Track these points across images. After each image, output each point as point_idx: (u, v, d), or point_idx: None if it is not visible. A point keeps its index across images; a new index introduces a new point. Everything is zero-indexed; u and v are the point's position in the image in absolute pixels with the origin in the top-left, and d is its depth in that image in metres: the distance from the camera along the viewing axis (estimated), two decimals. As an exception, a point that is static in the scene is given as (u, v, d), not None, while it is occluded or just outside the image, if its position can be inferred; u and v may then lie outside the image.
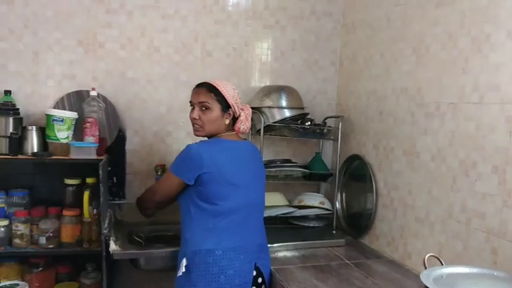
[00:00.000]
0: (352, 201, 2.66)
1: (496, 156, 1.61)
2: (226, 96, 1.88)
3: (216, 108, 1.88)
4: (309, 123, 2.58)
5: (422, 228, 2.01)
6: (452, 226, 1.82)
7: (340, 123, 2.58)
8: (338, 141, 2.58)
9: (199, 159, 1.78)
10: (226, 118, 1.92)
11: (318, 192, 2.79)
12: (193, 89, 1.92)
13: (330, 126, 2.68)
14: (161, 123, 2.56)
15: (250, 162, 1.95)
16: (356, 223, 2.57)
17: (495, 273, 1.38)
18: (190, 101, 1.92)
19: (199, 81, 1.94)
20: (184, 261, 1.80)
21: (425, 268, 1.41)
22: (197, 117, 1.88)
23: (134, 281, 2.46)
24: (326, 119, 2.73)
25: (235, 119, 1.95)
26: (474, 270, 1.41)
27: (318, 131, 2.65)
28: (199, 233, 1.81)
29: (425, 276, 1.32)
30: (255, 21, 2.67)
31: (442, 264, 1.46)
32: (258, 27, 2.68)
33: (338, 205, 2.67)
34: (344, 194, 2.70)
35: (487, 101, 1.66)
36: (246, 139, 2.06)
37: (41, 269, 2.29)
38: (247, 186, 1.88)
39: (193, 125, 1.92)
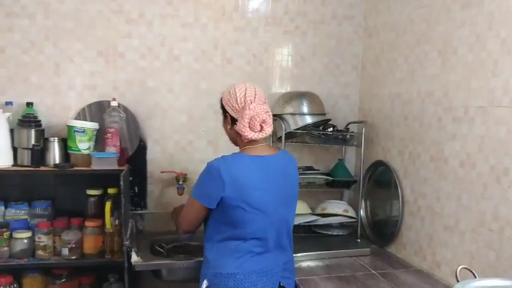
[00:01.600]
0: (377, 209, 2.59)
1: (530, 162, 1.54)
2: (221, 99, 1.78)
3: (223, 116, 1.80)
4: (331, 129, 2.53)
5: (451, 237, 1.93)
6: (483, 235, 1.75)
7: (363, 129, 2.52)
8: (361, 147, 2.52)
9: (220, 181, 1.63)
10: (227, 124, 1.78)
11: (342, 200, 2.74)
12: None
13: (352, 132, 2.62)
14: (182, 132, 2.54)
15: (279, 179, 1.73)
16: (381, 231, 2.51)
17: (533, 287, 1.31)
18: None
19: (219, 89, 1.92)
20: (205, 283, 1.72)
21: (457, 281, 1.35)
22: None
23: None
24: (348, 124, 2.67)
25: None
26: (509, 282, 1.34)
27: (340, 137, 2.60)
28: (220, 255, 1.70)
29: (459, 291, 1.26)
30: (275, 27, 2.63)
31: (475, 277, 1.40)
32: (278, 33, 2.64)
33: (362, 213, 2.61)
34: (368, 202, 2.63)
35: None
36: (279, 148, 1.84)
37: (64, 280, 2.29)
38: (275, 209, 1.71)
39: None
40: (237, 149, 1.80)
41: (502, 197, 1.66)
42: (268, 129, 1.70)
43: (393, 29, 2.42)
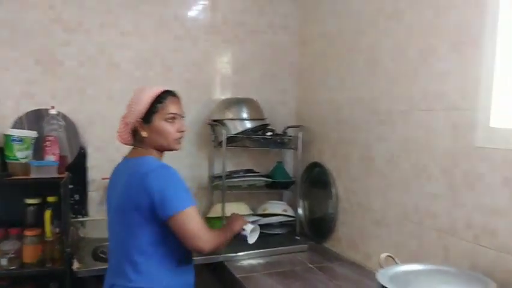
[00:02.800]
0: (314, 208, 2.73)
1: (444, 159, 1.72)
2: None
3: None
4: (270, 133, 2.65)
5: (379, 230, 2.10)
6: (407, 226, 1.92)
7: (300, 133, 2.66)
8: (298, 150, 2.66)
9: None
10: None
11: (281, 200, 2.86)
12: (171, 98, 1.65)
13: (290, 136, 2.76)
14: (124, 138, 2.56)
15: (118, 188, 1.64)
16: (318, 228, 2.65)
17: (445, 269, 1.48)
18: (173, 113, 1.63)
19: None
20: None
21: (381, 268, 1.49)
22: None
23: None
24: (286, 128, 2.81)
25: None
26: (427, 267, 1.50)
27: (279, 140, 2.72)
28: None
29: (381, 276, 1.40)
30: (214, 36, 2.73)
31: (397, 263, 1.55)
32: (217, 41, 2.74)
33: (300, 211, 2.75)
34: (306, 201, 2.77)
35: (434, 108, 1.77)
36: (142, 155, 1.64)
37: (3, 291, 2.25)
38: (110, 220, 1.71)
39: (178, 139, 1.66)
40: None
41: (421, 192, 1.84)
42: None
43: (325, 39, 2.59)
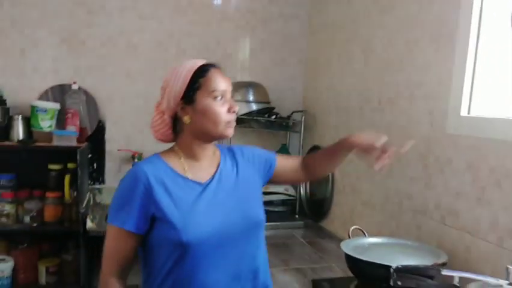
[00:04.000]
0: (316, 189, 2.89)
1: (421, 144, 1.84)
2: None
3: None
4: (274, 116, 2.81)
5: (366, 210, 2.24)
6: (388, 207, 2.06)
7: (303, 117, 2.81)
8: (300, 133, 2.81)
9: None
10: None
11: (284, 181, 3.02)
12: (216, 71, 1.25)
13: (294, 120, 2.91)
14: (139, 114, 2.77)
15: None
16: (317, 209, 2.80)
17: (405, 242, 1.62)
18: (221, 89, 1.24)
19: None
20: None
21: (349, 238, 1.65)
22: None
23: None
24: (292, 113, 2.96)
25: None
26: (390, 240, 1.66)
27: (284, 124, 2.88)
28: None
29: (345, 245, 1.56)
30: (226, 23, 2.90)
31: (365, 236, 1.70)
32: (229, 28, 2.90)
33: (302, 191, 2.91)
34: (307, 183, 2.93)
35: (415, 97, 1.90)
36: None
37: (25, 245, 2.52)
38: None
39: (229, 122, 1.25)
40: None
41: (402, 175, 1.97)
42: None
43: (330, 28, 2.72)
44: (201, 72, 1.23)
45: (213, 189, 1.26)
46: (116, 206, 1.20)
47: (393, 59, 2.07)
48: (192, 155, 1.28)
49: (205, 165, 1.30)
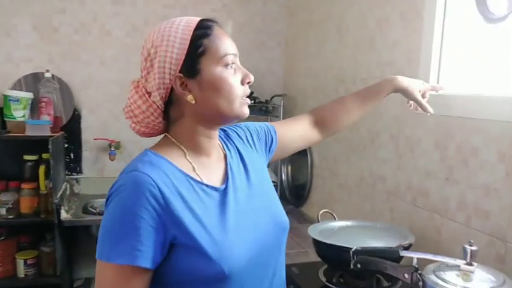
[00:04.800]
0: (297, 174, 2.85)
1: (392, 125, 1.80)
2: None
3: None
4: (253, 101, 2.76)
5: (342, 193, 2.21)
6: (363, 189, 2.02)
7: (282, 101, 2.76)
8: (280, 118, 2.77)
9: None
10: None
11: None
12: (220, 30, 0.94)
13: (274, 104, 2.86)
14: (115, 102, 2.73)
15: None
16: (298, 194, 2.78)
17: (374, 225, 1.59)
18: (231, 53, 0.92)
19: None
20: None
21: (318, 222, 1.61)
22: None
23: (91, 251, 2.66)
24: (272, 97, 2.91)
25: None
26: (359, 223, 1.62)
27: (263, 108, 2.84)
28: None
29: (312, 229, 1.53)
30: (202, 5, 2.83)
31: (335, 219, 1.67)
32: (206, 11, 2.84)
33: (284, 177, 2.87)
34: (289, 167, 2.89)
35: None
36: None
37: (3, 238, 2.48)
38: None
39: (243, 98, 0.94)
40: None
41: (374, 156, 1.93)
42: None
43: (307, 9, 2.65)
44: (203, 31, 0.89)
45: (233, 195, 0.94)
46: (115, 235, 0.81)
47: (365, 37, 2.01)
48: (198, 149, 0.94)
49: (215, 161, 0.97)
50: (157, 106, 0.90)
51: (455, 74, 1.56)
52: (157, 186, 0.82)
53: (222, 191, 0.93)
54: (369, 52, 1.97)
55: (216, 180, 0.94)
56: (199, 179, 0.91)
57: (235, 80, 0.91)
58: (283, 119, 2.74)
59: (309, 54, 2.62)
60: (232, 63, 0.91)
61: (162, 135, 0.96)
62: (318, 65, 2.50)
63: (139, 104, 0.91)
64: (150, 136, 0.97)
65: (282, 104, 2.75)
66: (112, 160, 2.66)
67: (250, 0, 2.92)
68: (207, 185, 0.91)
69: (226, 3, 2.88)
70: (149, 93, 0.90)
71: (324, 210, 1.68)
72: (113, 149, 2.65)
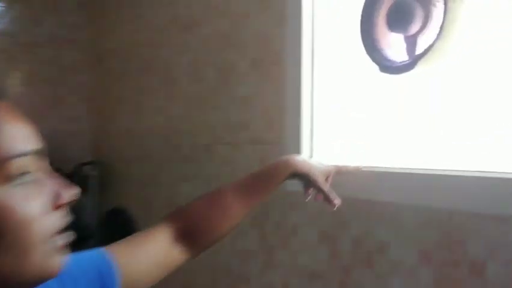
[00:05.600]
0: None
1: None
2: None
3: None
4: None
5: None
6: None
7: (96, 171, 2.13)
8: (93, 194, 2.12)
9: None
10: None
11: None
12: (5, 108, 0.49)
13: (85, 174, 2.20)
14: None
15: None
16: None
17: None
18: (13, 157, 0.47)
19: None
20: None
21: None
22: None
23: None
24: (79, 166, 2.24)
25: None
26: None
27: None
28: None
29: None
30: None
31: None
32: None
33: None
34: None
35: (238, 142, 1.41)
36: None
37: None
38: None
39: (53, 240, 0.50)
40: None
41: (233, 249, 1.46)
42: None
43: (122, 55, 2.11)
44: None
45: None
46: None
47: (204, 92, 1.56)
48: None
49: None
50: None
51: (333, 137, 1.20)
52: None
53: None
54: (211, 111, 1.52)
55: None
56: None
57: (33, 207, 0.48)
58: (100, 193, 2.11)
59: (125, 111, 2.06)
60: (27, 173, 0.48)
61: None
62: (138, 126, 1.96)
63: None
64: None
65: (96, 174, 2.11)
66: None
67: (40, 43, 2.23)
68: None
69: (7, 48, 2.14)
70: None
71: None
72: None
